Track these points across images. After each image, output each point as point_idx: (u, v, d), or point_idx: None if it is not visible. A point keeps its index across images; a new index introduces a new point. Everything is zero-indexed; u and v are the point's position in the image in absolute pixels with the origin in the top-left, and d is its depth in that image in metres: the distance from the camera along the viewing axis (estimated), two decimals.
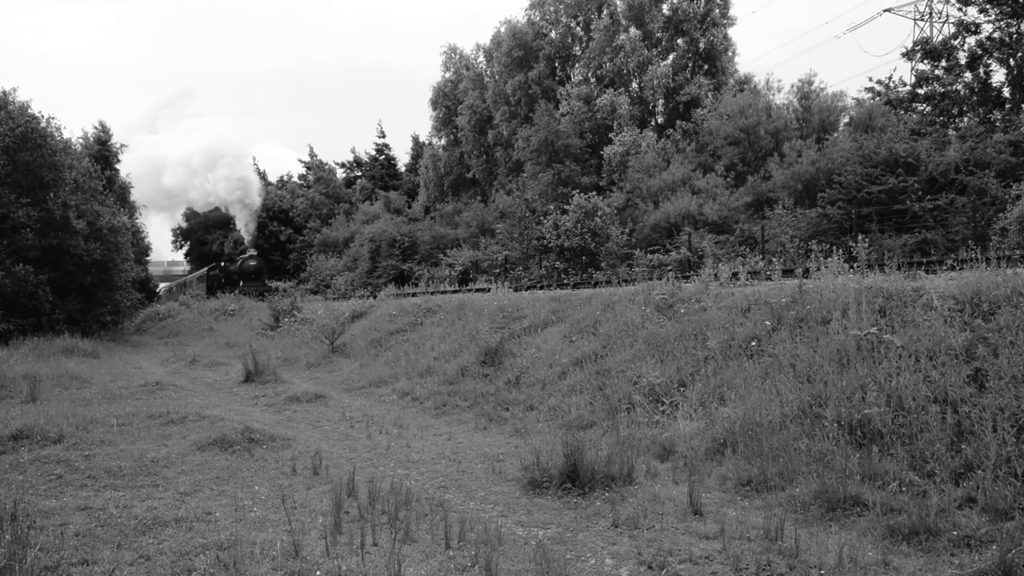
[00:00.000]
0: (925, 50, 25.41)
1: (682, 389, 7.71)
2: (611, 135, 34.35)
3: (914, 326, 6.39)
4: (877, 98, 28.08)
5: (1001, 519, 4.38)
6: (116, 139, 37.06)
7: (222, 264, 47.16)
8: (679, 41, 38.70)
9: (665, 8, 38.27)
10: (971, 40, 24.56)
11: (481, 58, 46.64)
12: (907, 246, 16.34)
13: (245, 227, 45.44)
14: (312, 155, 62.35)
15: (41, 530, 4.73)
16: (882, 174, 19.09)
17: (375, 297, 21.47)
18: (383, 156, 61.13)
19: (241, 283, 39.67)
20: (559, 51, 41.82)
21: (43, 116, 21.78)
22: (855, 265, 9.16)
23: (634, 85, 37.48)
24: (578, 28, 41.35)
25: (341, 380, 13.10)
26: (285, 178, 61.02)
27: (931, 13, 28.41)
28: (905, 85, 26.65)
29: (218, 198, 45.11)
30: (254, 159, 55.33)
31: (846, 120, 33.55)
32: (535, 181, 33.82)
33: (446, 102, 48.08)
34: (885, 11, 29.91)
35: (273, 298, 25.34)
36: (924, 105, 25.66)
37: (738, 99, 32.27)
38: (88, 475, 6.25)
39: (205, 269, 49.10)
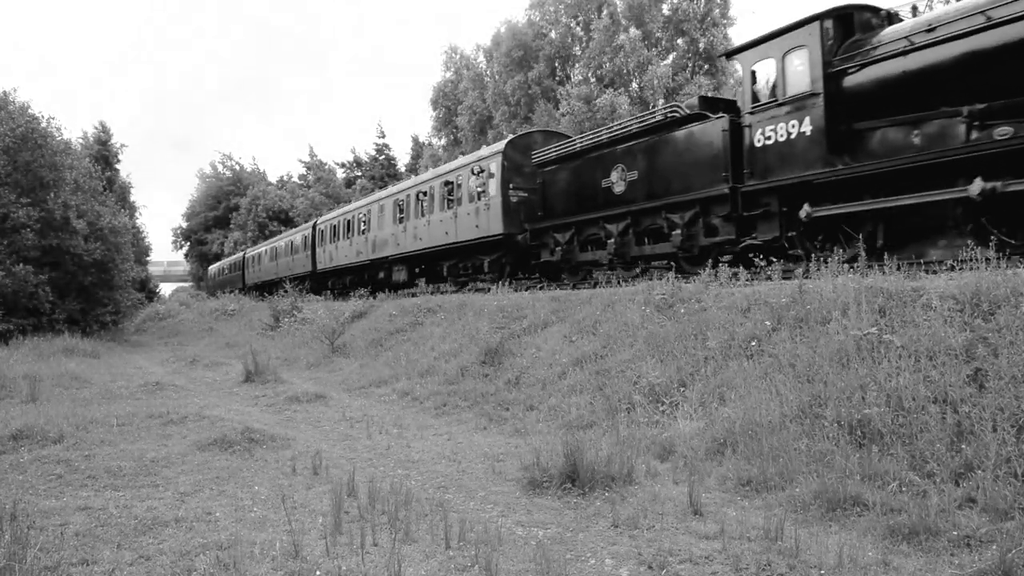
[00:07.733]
0: None
1: (682, 389, 7.70)
2: None
3: (914, 326, 6.38)
4: None
5: (1001, 519, 4.37)
6: (116, 139, 37.16)
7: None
8: (679, 41, 38.71)
9: (665, 8, 38.29)
10: None
11: (481, 58, 46.68)
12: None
13: None
14: (312, 155, 62.39)
15: (41, 530, 4.73)
16: None
17: (375, 297, 21.47)
18: (383, 156, 61.23)
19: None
20: (559, 51, 41.82)
21: (43, 116, 21.87)
22: (855, 265, 9.15)
23: (634, 85, 37.48)
24: (578, 28, 41.35)
25: (341, 380, 13.10)
26: (285, 178, 61.09)
27: None
28: None
29: None
30: (254, 158, 54.35)
31: None
32: None
33: (446, 102, 48.14)
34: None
35: (272, 299, 24.28)
36: None
37: None
38: (88, 475, 6.25)
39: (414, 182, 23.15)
